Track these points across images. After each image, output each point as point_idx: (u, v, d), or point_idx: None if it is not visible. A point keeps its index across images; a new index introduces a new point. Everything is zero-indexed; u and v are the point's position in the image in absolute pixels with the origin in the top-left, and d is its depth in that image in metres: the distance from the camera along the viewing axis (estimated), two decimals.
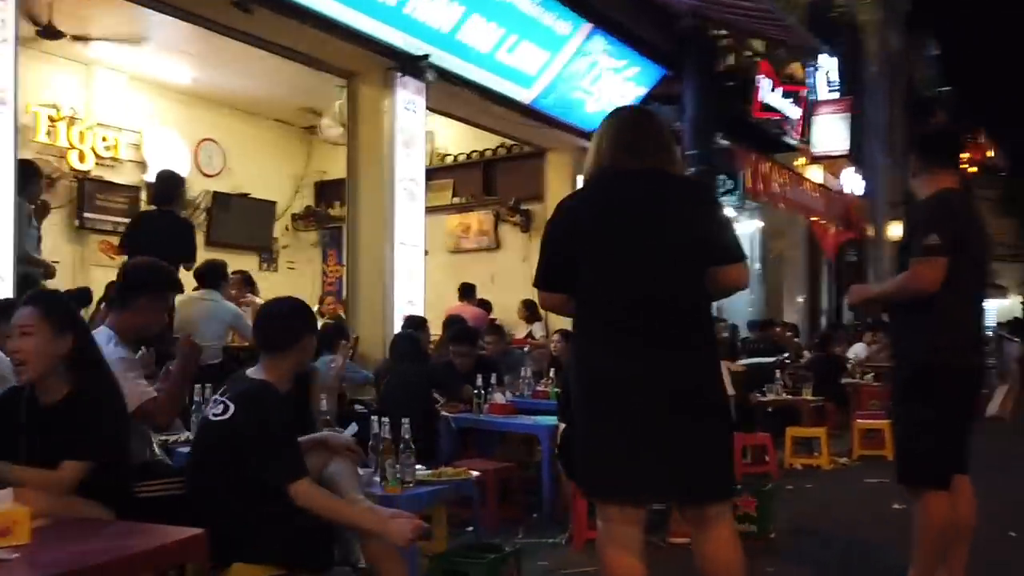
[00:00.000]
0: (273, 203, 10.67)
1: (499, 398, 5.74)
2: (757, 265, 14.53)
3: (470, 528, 4.63)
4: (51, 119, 8.31)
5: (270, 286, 10.01)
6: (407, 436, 3.45)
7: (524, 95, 8.86)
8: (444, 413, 5.56)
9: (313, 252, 11.49)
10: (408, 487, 3.40)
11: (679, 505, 2.88)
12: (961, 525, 3.46)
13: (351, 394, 6.13)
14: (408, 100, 7.68)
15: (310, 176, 11.25)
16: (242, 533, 2.76)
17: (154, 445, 3.54)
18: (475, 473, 3.83)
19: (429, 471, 3.71)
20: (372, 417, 3.56)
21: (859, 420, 8.12)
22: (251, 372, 2.99)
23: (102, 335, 3.27)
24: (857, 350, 10.98)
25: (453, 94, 8.20)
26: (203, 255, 8.73)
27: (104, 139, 8.72)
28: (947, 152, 3.68)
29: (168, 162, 8.97)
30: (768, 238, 14.80)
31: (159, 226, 6.08)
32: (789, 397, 7.86)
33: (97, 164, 8.66)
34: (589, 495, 2.91)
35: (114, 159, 8.85)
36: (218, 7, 6.25)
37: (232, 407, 2.83)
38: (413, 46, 7.44)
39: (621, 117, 2.74)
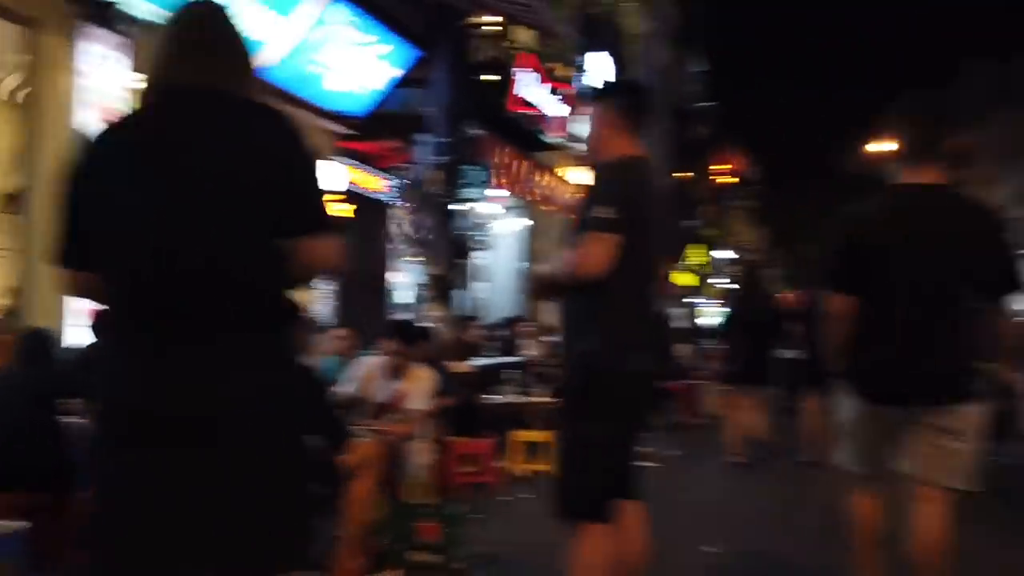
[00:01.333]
0: None
1: None
2: (526, 264, 14.31)
3: None
4: None
5: None
6: None
7: None
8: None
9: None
10: None
11: None
12: (628, 563, 2.90)
13: None
14: (100, 55, 6.56)
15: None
16: None
17: None
18: (16, 525, 2.85)
19: None
20: None
21: None
22: None
23: None
24: None
25: None
26: None
27: None
28: (643, 110, 3.12)
29: None
30: (534, 236, 14.56)
31: None
32: (520, 399, 7.39)
33: None
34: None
35: None
36: None
37: None
38: None
39: (181, 15, 1.93)
